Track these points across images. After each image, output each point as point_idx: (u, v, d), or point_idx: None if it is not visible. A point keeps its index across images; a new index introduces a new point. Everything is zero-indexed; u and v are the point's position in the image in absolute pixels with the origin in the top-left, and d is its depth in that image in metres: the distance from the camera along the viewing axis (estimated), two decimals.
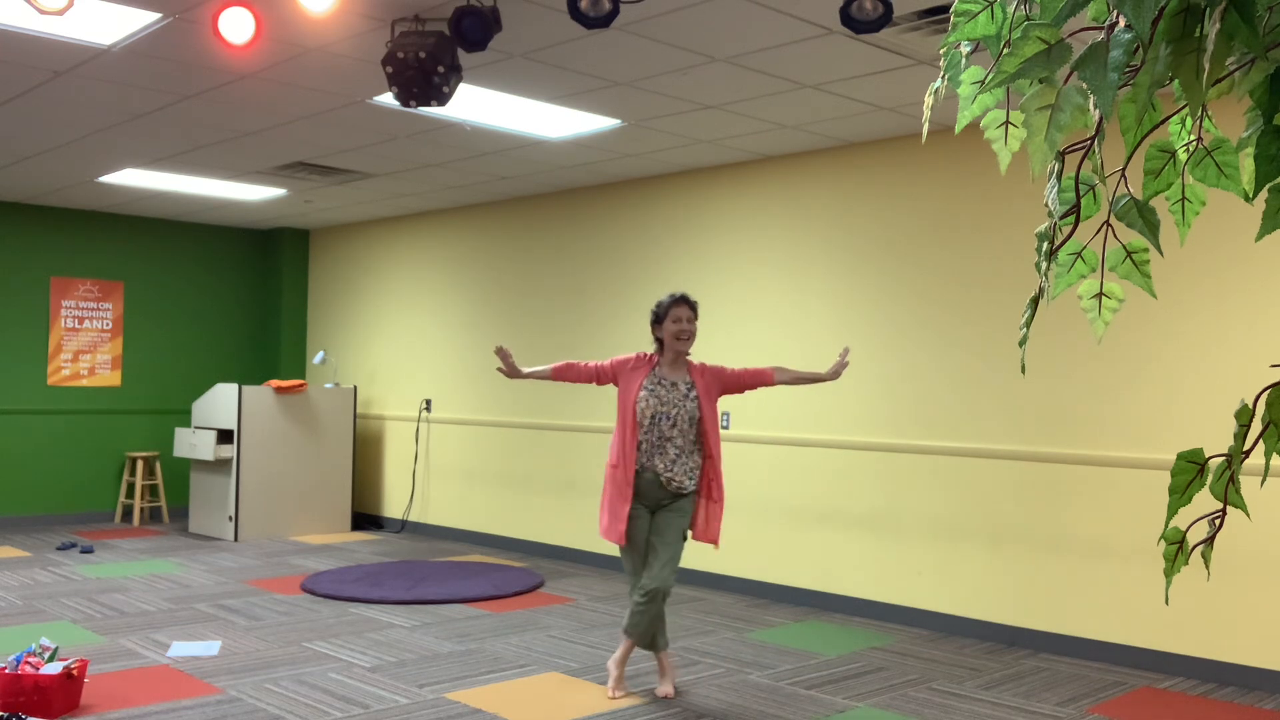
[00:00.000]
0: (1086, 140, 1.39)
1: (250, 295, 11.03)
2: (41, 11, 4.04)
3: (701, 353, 7.33)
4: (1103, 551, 5.50)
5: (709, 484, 4.68)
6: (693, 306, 4.68)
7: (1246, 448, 1.38)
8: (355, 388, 9.77)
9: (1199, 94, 1.22)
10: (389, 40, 4.58)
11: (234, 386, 8.97)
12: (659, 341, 4.71)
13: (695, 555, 7.34)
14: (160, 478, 9.98)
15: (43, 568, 7.63)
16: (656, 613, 4.67)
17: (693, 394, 4.64)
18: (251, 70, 5.36)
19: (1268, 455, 1.36)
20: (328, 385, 9.66)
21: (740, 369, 4.81)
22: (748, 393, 4.71)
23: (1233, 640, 5.08)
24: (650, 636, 4.75)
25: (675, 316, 4.62)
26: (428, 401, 9.57)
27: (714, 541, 4.69)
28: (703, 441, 4.66)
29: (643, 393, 4.61)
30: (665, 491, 4.63)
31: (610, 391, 7.93)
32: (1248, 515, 1.53)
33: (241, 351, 10.95)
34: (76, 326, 9.88)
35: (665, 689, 4.76)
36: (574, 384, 4.76)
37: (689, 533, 4.72)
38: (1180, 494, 1.42)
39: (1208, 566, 1.46)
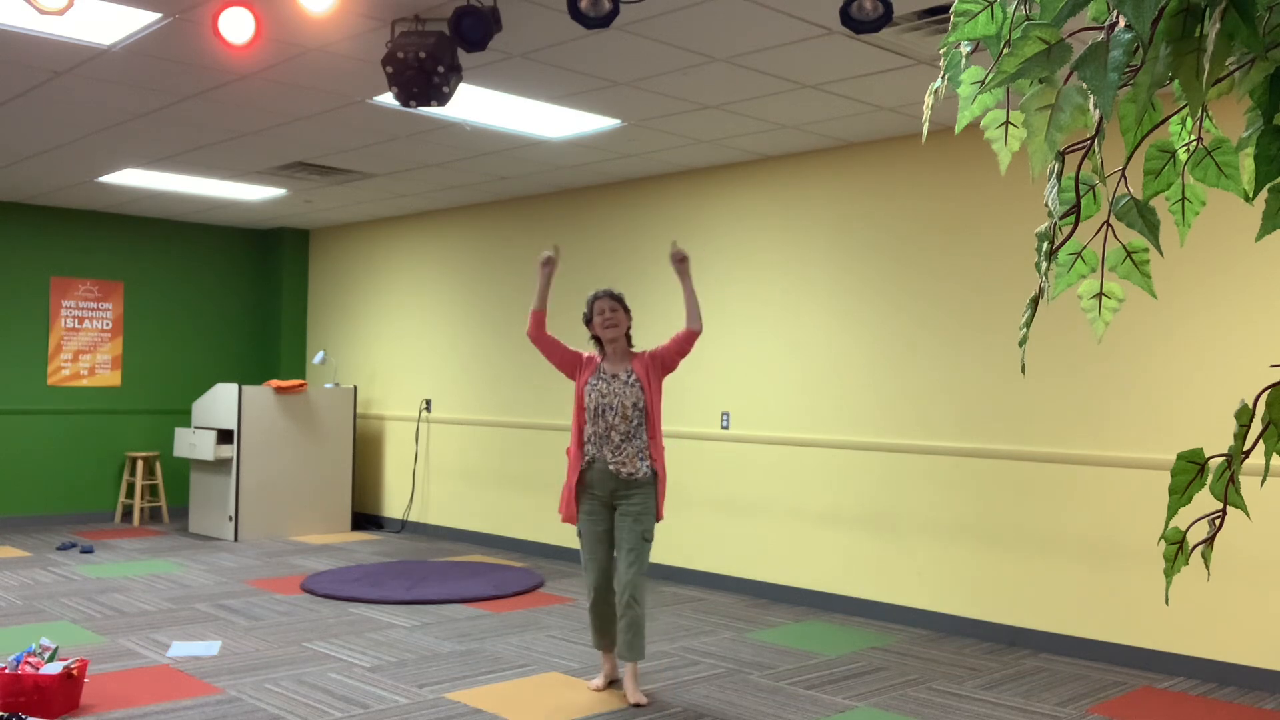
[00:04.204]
0: (1086, 140, 1.39)
1: (250, 295, 11.03)
2: (41, 11, 4.04)
3: (700, 353, 7.33)
4: (1103, 551, 5.50)
5: (656, 476, 4.82)
6: (615, 298, 4.91)
7: (1246, 448, 1.38)
8: (355, 388, 9.78)
9: (1199, 94, 1.23)
10: (389, 40, 4.58)
11: (234, 386, 8.97)
12: (596, 340, 4.95)
13: (695, 555, 7.34)
14: (160, 478, 9.99)
15: (43, 568, 7.63)
16: (633, 619, 4.69)
17: (633, 379, 4.83)
18: (251, 70, 5.36)
19: (1268, 455, 1.36)
20: (328, 385, 9.66)
21: (669, 341, 4.95)
22: (686, 355, 4.94)
23: (1233, 640, 5.08)
24: (625, 645, 4.73)
25: (599, 309, 4.87)
26: (428, 401, 9.57)
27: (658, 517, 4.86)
28: (646, 423, 4.81)
29: (588, 388, 4.85)
30: (618, 481, 4.75)
31: None
32: (1248, 515, 1.53)
33: (241, 351, 10.96)
34: (76, 326, 9.88)
35: (635, 696, 4.67)
36: (558, 370, 4.97)
37: (649, 532, 4.78)
38: (1180, 494, 1.42)
39: (1208, 566, 1.46)
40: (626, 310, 4.92)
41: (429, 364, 9.60)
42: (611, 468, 4.74)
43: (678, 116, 6.08)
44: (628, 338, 4.95)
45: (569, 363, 4.94)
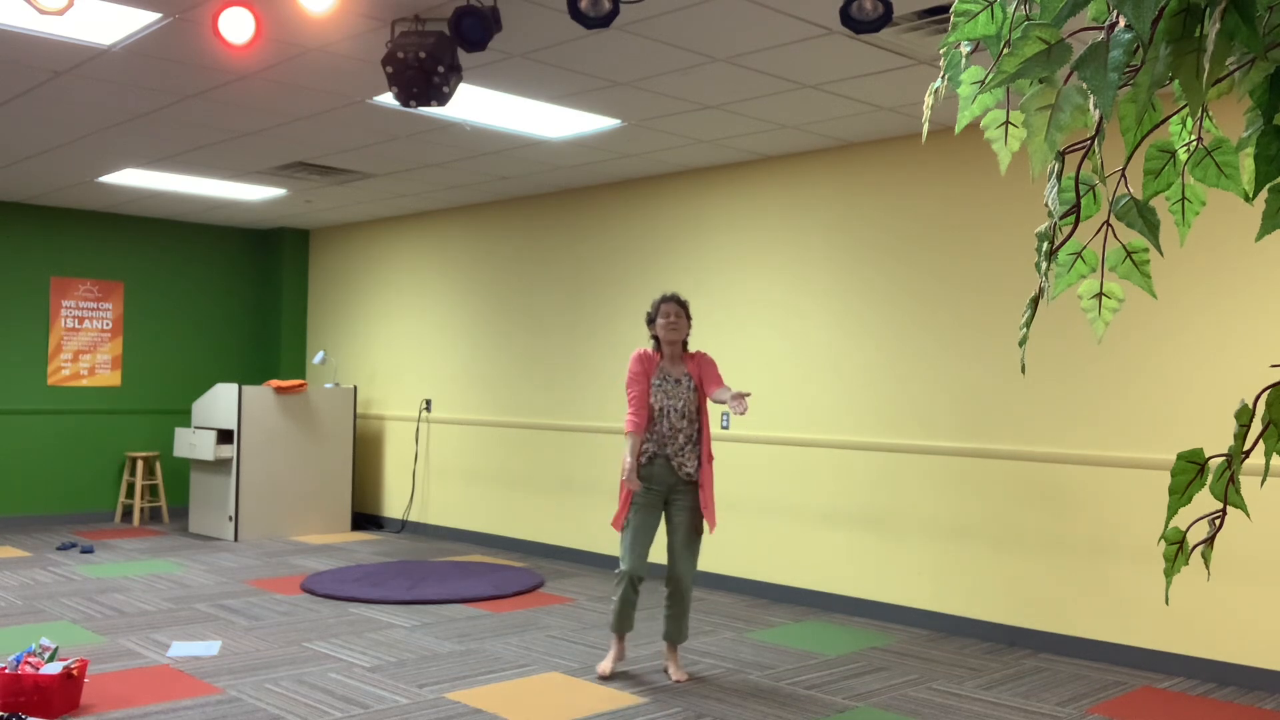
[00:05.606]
0: (1086, 140, 1.39)
1: (250, 295, 11.03)
2: (41, 11, 4.04)
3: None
4: (1103, 551, 5.50)
5: (703, 467, 5.09)
6: (681, 304, 5.14)
7: (1246, 448, 1.38)
8: (355, 388, 9.77)
9: (1199, 94, 1.23)
10: (389, 40, 4.58)
11: (234, 386, 8.97)
12: (655, 339, 5.17)
13: None
14: (160, 478, 9.99)
15: (43, 568, 7.63)
16: (684, 608, 5.07)
17: (691, 385, 5.09)
18: (251, 70, 5.36)
19: (1268, 455, 1.36)
20: (328, 385, 9.66)
21: (716, 374, 5.13)
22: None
23: (1233, 640, 5.08)
24: (675, 629, 5.10)
25: (664, 313, 5.11)
26: (428, 401, 9.57)
27: (712, 522, 5.07)
28: (699, 425, 5.10)
29: (653, 389, 5.08)
30: (676, 477, 5.03)
31: (610, 394, 7.94)
32: (1248, 515, 1.53)
33: (242, 351, 10.96)
34: (76, 326, 9.88)
35: (678, 674, 5.05)
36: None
37: (701, 526, 5.13)
38: (1180, 494, 1.42)
39: (1208, 566, 1.46)
40: (689, 317, 5.16)
41: (429, 364, 9.60)
42: (674, 463, 5.02)
43: (678, 116, 6.08)
44: (684, 342, 5.18)
45: (645, 380, 5.08)
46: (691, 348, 7.41)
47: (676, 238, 7.60)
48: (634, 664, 5.29)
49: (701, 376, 5.10)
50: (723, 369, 7.26)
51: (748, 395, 4.79)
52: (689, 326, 5.15)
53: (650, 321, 5.16)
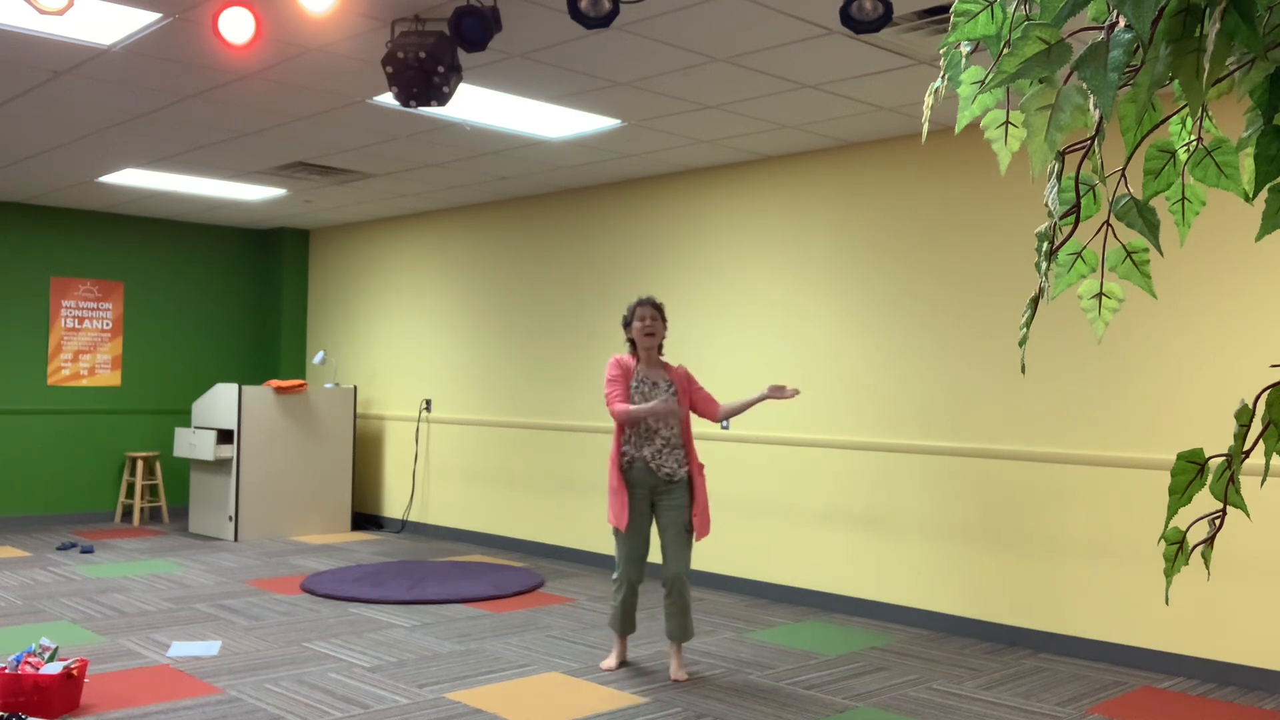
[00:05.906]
0: (1086, 140, 1.39)
1: (250, 295, 11.03)
2: (41, 11, 4.04)
3: (701, 353, 7.34)
4: (1103, 551, 5.50)
5: (692, 476, 5.10)
6: (656, 307, 5.15)
7: (1246, 448, 1.38)
8: (355, 388, 9.77)
9: (1199, 94, 1.23)
10: (389, 40, 4.58)
11: (234, 386, 8.97)
12: (631, 342, 5.19)
13: (695, 556, 7.33)
14: (160, 478, 9.98)
15: (43, 568, 7.63)
16: (683, 605, 5.05)
17: (672, 390, 5.10)
18: (251, 70, 5.36)
19: (1268, 455, 1.36)
20: (328, 385, 9.66)
21: (705, 392, 5.22)
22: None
23: (1233, 640, 5.08)
24: (677, 628, 5.09)
25: (640, 316, 5.12)
26: (428, 401, 9.57)
27: (706, 532, 5.12)
28: (683, 435, 5.10)
29: (632, 392, 5.08)
30: (656, 478, 5.03)
31: None
32: (1248, 515, 1.53)
33: (241, 351, 10.96)
34: (76, 326, 9.88)
35: (678, 674, 5.06)
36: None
37: (691, 524, 5.11)
38: (1180, 494, 1.42)
39: (1208, 566, 1.46)
40: (665, 320, 5.17)
41: (429, 364, 9.60)
42: (653, 465, 5.01)
43: (678, 116, 6.08)
44: (659, 346, 5.20)
45: (624, 382, 5.10)
46: (688, 350, 7.51)
47: (676, 238, 7.60)
48: (634, 663, 5.29)
49: (691, 394, 5.15)
50: (723, 370, 7.26)
51: (784, 387, 4.90)
52: (665, 331, 5.16)
53: (626, 324, 5.17)
